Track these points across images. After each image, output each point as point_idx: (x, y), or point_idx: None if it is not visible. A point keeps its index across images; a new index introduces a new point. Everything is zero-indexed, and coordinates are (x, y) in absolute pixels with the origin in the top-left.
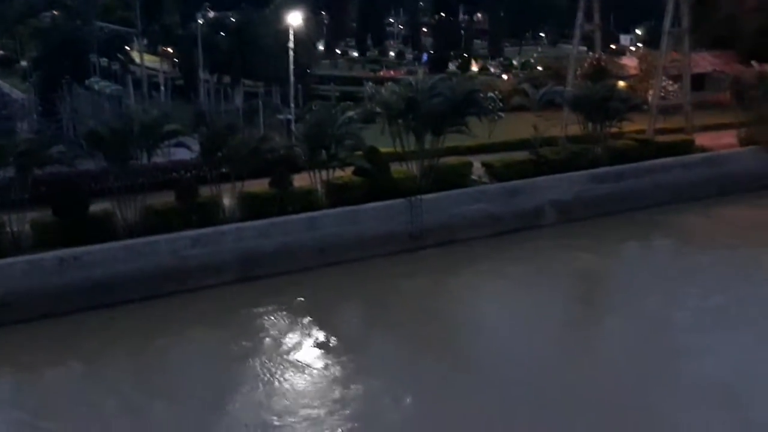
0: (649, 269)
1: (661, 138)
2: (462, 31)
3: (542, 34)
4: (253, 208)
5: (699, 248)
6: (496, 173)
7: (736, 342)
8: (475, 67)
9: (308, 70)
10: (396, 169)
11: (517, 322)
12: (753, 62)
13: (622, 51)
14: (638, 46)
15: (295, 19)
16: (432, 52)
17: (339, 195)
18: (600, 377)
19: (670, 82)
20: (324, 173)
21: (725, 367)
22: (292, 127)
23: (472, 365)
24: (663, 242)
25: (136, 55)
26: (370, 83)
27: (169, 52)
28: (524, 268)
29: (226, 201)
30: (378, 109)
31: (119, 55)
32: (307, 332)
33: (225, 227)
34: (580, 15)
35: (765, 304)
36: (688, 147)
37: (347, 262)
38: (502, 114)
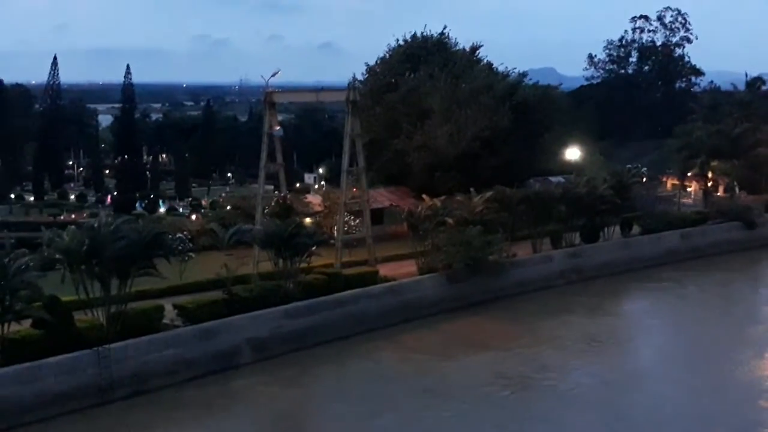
0: (344, 396)
1: (348, 270)
2: (147, 172)
3: (230, 174)
4: None
5: (386, 370)
6: (189, 315)
7: None
8: (162, 208)
9: None
10: (81, 318)
11: None
12: (424, 196)
13: (306, 189)
14: (321, 184)
15: None
16: (116, 193)
17: (16, 351)
18: None
19: (352, 217)
20: None
21: None
22: None
23: None
24: (354, 372)
25: None
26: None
27: None
28: (221, 413)
29: None
30: (58, 256)
31: None
32: None
33: None
34: (263, 156)
35: (438, 417)
36: (373, 278)
37: (27, 424)
38: (192, 254)
